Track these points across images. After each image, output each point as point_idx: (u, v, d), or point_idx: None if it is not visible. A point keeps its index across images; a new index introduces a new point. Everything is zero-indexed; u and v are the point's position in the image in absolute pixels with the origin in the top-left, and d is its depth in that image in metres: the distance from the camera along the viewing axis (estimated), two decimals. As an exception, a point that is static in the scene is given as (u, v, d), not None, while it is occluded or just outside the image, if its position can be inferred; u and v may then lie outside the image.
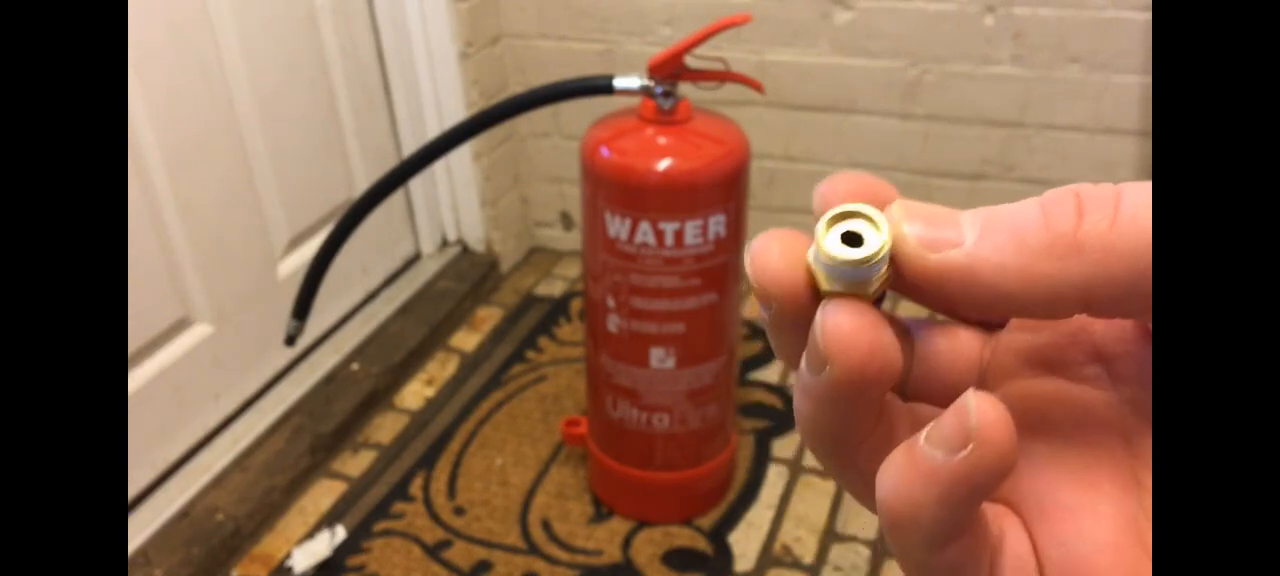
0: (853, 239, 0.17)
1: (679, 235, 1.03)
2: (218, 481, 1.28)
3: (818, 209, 0.18)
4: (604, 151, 1.03)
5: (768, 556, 1.21)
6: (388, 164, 1.55)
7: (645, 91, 1.02)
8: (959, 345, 0.20)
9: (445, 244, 1.77)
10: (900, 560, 0.18)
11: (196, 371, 1.30)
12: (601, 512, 1.27)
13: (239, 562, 1.21)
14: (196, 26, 1.23)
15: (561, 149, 1.73)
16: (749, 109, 1.52)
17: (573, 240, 1.83)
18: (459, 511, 1.28)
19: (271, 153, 1.37)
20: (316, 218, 1.48)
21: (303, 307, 1.18)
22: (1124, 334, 0.19)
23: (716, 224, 1.04)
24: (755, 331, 1.60)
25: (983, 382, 0.20)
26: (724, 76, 1.03)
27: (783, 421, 1.41)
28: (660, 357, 1.12)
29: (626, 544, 1.23)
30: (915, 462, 0.17)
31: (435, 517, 1.27)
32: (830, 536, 1.23)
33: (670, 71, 1.00)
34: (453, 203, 1.72)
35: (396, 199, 1.65)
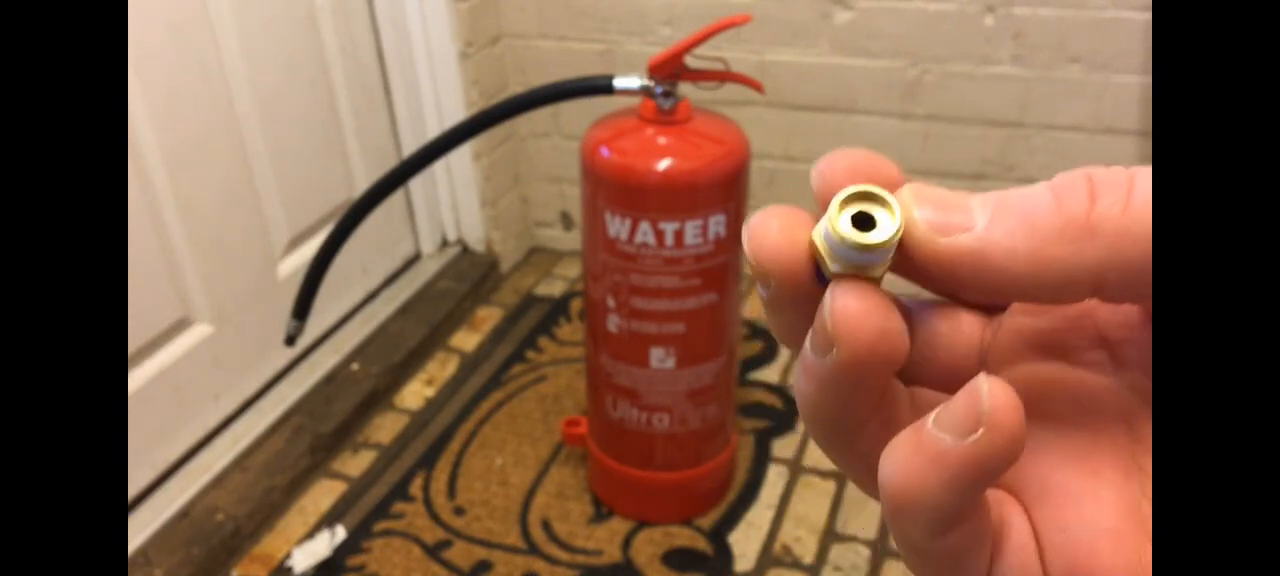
0: (862, 220, 0.17)
1: (679, 235, 1.03)
2: (218, 481, 1.28)
3: (816, 186, 0.18)
4: (604, 151, 1.03)
5: (768, 556, 1.21)
6: (388, 164, 1.54)
7: (645, 91, 1.02)
8: (959, 328, 0.20)
9: (445, 244, 1.77)
10: (901, 546, 0.18)
11: (196, 371, 1.30)
12: (601, 512, 1.27)
13: (239, 562, 1.21)
14: (196, 26, 1.23)
15: (561, 149, 1.73)
16: (749, 109, 1.52)
17: (573, 240, 1.83)
18: (459, 511, 1.27)
19: (271, 153, 1.37)
20: (316, 218, 1.48)
21: (303, 307, 1.18)
22: (1128, 319, 0.19)
23: (716, 224, 1.04)
24: (755, 331, 1.59)
25: (984, 366, 0.20)
26: (724, 76, 1.03)
27: (783, 421, 1.41)
28: (660, 357, 1.12)
29: (626, 544, 1.22)
30: (922, 446, 0.17)
31: (435, 517, 1.27)
32: (830, 536, 1.23)
33: (670, 71, 1.00)
34: (453, 203, 1.72)
35: (396, 199, 1.64)
